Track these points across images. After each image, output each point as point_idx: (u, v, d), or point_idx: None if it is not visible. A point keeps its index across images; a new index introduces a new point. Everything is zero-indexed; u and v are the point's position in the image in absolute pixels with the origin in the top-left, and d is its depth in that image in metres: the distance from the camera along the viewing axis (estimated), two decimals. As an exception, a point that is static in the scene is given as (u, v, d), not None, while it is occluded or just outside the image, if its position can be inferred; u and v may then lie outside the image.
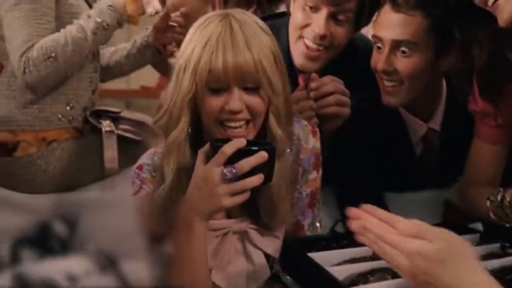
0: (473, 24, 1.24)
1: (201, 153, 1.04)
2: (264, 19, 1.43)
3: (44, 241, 0.85)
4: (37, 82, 1.51)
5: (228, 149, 0.99)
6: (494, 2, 1.13)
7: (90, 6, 1.68)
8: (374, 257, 1.08)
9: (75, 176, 1.64)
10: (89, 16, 1.53)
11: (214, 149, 1.01)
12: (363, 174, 1.46)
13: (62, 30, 1.52)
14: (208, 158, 1.03)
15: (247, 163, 0.99)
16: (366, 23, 1.47)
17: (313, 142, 1.22)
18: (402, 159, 1.47)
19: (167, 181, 1.09)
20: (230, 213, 1.15)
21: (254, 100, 1.08)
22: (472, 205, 1.35)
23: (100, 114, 1.69)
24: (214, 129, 1.09)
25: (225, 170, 0.98)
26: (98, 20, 1.52)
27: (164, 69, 1.99)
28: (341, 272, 1.02)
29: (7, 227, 0.87)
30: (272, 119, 1.10)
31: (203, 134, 1.12)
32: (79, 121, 1.66)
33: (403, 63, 1.34)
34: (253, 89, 1.07)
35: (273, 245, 1.15)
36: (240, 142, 1.00)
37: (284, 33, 1.46)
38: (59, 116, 1.62)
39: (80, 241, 0.88)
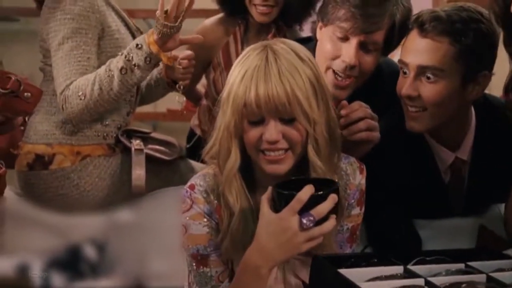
0: None
1: (265, 200, 1.05)
2: None
3: (74, 264, 0.86)
4: (73, 117, 1.60)
5: (304, 196, 1.00)
6: None
7: (134, 37, 1.71)
8: (405, 275, 1.09)
9: (104, 193, 1.68)
10: (121, 54, 1.57)
11: (280, 196, 1.03)
12: (392, 201, 1.43)
13: (94, 72, 1.58)
14: (275, 203, 1.04)
15: (323, 208, 1.00)
16: (394, 48, 1.46)
17: (359, 179, 1.23)
18: (431, 186, 1.45)
19: (236, 210, 1.12)
20: None
21: (291, 131, 1.09)
22: None
23: (131, 134, 1.74)
24: (256, 157, 1.12)
25: (304, 220, 1.00)
26: (125, 59, 1.54)
27: (192, 96, 2.00)
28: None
29: (39, 248, 0.88)
30: (311, 150, 1.11)
31: (252, 164, 1.15)
32: (113, 138, 1.70)
33: (428, 89, 1.32)
34: (290, 120, 1.09)
35: None
36: (311, 188, 1.01)
37: None
38: (95, 132, 1.68)
39: (109, 263, 0.89)
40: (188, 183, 1.19)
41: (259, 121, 1.09)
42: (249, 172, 1.14)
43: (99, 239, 0.90)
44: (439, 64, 1.30)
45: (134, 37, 1.71)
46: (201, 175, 1.20)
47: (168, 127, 3.05)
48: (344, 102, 1.32)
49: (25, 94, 1.45)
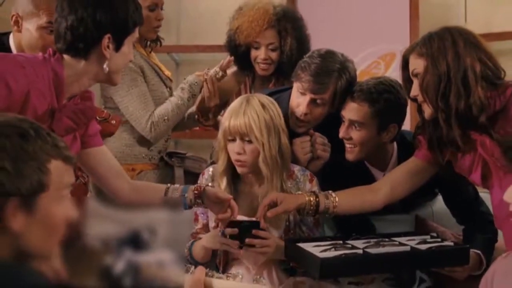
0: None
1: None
2: (274, 92, 1.94)
3: (136, 242, 1.26)
4: (157, 136, 2.15)
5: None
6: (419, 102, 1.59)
7: (165, 83, 2.24)
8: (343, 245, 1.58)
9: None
10: (182, 89, 2.16)
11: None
12: None
13: (167, 101, 2.16)
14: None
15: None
16: (340, 104, 1.89)
17: (309, 186, 1.75)
18: None
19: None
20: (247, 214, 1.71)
21: (249, 148, 1.65)
22: None
23: (172, 155, 2.27)
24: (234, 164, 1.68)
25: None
26: (190, 91, 2.15)
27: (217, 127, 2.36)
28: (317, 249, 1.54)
29: (110, 234, 1.28)
30: (260, 161, 1.66)
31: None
32: (156, 159, 2.24)
33: (355, 134, 1.81)
34: (249, 141, 1.64)
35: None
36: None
37: (285, 102, 1.92)
38: (143, 155, 2.21)
39: (159, 243, 1.28)
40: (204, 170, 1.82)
41: (233, 140, 1.64)
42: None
43: (151, 227, 1.27)
44: (361, 119, 1.79)
45: (164, 83, 2.24)
46: (210, 167, 1.80)
47: (187, 143, 3.40)
48: (311, 131, 1.86)
49: (112, 121, 1.95)
